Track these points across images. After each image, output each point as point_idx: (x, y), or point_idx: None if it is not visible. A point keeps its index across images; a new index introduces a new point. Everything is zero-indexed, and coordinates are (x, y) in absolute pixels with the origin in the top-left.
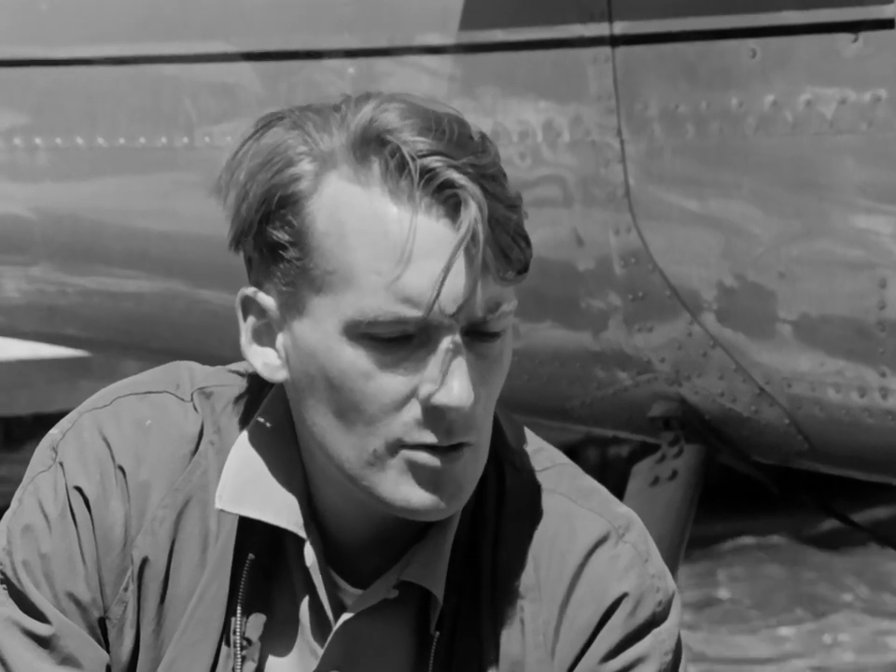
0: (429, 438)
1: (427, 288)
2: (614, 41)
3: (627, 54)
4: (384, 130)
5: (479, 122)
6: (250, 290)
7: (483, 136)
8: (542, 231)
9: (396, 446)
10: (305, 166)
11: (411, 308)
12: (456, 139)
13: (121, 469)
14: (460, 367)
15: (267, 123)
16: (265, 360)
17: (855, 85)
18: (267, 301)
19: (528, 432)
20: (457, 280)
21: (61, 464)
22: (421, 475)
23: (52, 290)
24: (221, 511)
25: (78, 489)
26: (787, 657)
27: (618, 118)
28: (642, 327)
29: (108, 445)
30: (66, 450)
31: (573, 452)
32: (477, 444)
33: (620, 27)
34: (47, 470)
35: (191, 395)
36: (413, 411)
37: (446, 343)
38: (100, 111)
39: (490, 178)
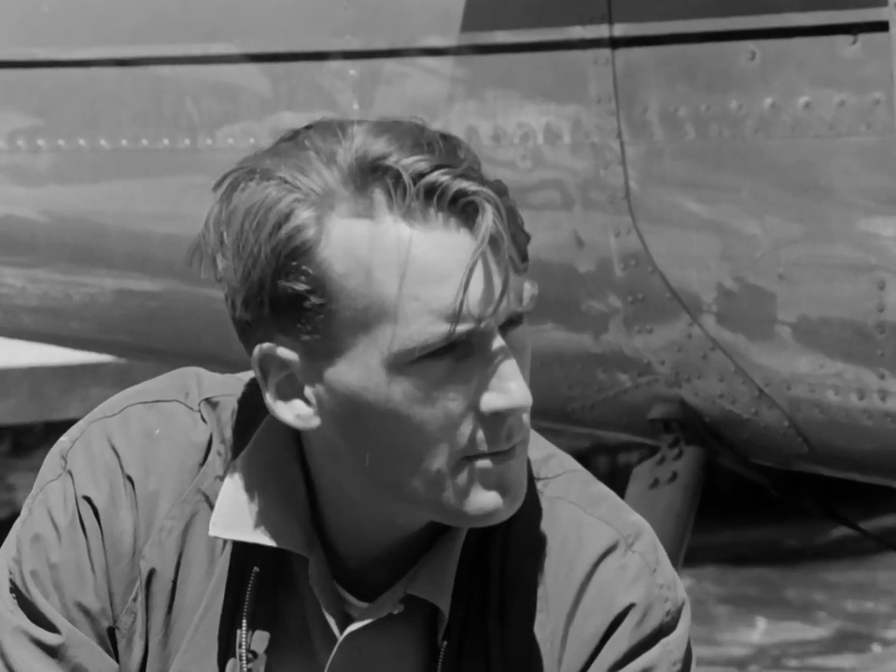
0: (491, 445)
1: (473, 299)
2: (614, 43)
3: (627, 56)
4: (379, 158)
5: (479, 125)
6: (266, 346)
7: (448, 135)
8: (543, 233)
9: (460, 460)
10: (303, 213)
11: (461, 324)
12: (445, 148)
13: (130, 479)
14: (511, 367)
15: (232, 184)
16: (296, 412)
17: (854, 87)
18: (287, 353)
19: (539, 438)
20: (493, 282)
21: (70, 473)
22: (487, 481)
23: (56, 292)
24: None
25: (87, 499)
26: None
27: (618, 120)
28: (642, 329)
29: (117, 455)
30: (75, 459)
31: (583, 459)
32: (526, 438)
33: (620, 29)
34: (56, 479)
35: (199, 404)
36: (472, 422)
37: (493, 346)
38: (102, 113)
39: (484, 176)
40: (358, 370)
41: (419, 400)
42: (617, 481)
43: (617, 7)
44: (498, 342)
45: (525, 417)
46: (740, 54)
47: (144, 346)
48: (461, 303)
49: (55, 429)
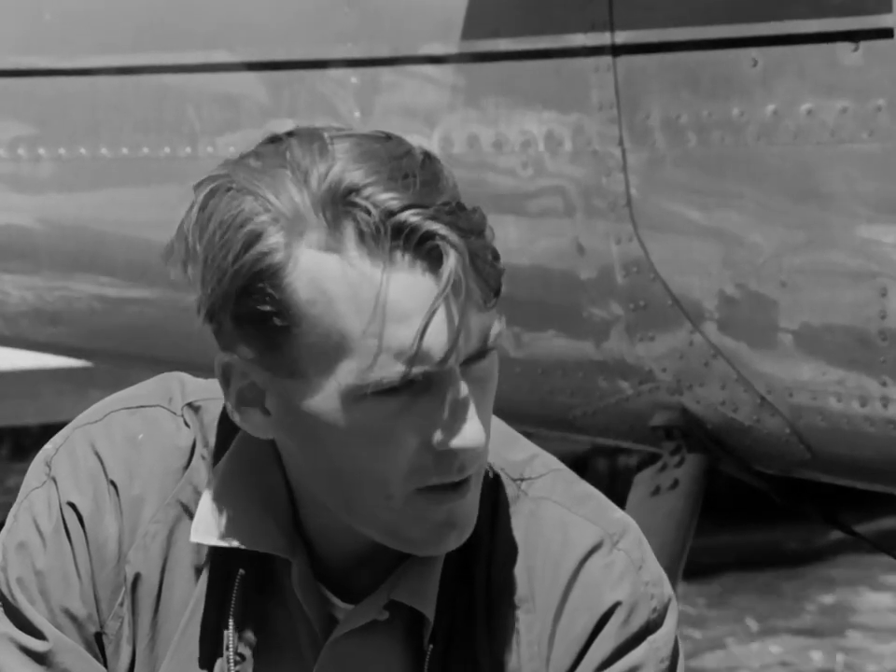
0: (442, 478)
1: (431, 343)
2: (616, 50)
3: (629, 64)
4: (352, 190)
5: (481, 132)
6: (229, 357)
7: (432, 158)
8: (544, 240)
9: (409, 490)
10: (273, 237)
11: (416, 365)
12: (421, 182)
13: (114, 484)
14: (467, 408)
15: (211, 191)
16: (254, 421)
17: (856, 94)
18: (248, 366)
19: (522, 439)
20: (452, 325)
21: (54, 480)
22: (435, 515)
23: (55, 300)
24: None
25: (72, 505)
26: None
27: (619, 127)
28: (644, 336)
29: (101, 460)
30: (59, 465)
31: (582, 462)
32: (481, 469)
33: (621, 36)
34: (41, 486)
35: (181, 409)
36: (424, 456)
37: (451, 386)
38: (103, 121)
39: (460, 212)
40: (316, 393)
41: (373, 431)
42: (617, 483)
43: (618, 15)
44: (456, 382)
45: (480, 451)
46: (742, 61)
47: (143, 355)
48: (417, 347)
49: (53, 432)
